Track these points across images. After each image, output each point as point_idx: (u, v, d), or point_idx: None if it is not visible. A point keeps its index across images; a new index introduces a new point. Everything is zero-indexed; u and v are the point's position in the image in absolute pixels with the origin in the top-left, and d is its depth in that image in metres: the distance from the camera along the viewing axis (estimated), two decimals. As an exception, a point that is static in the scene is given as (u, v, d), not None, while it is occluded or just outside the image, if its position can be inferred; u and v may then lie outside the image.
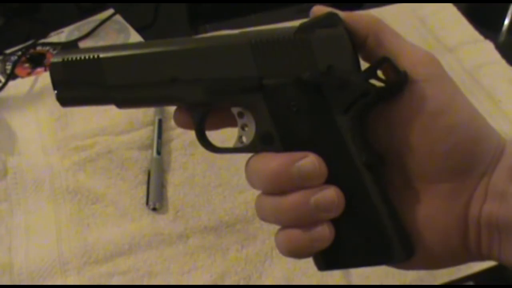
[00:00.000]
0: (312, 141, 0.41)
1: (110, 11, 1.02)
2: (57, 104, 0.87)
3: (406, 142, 0.41)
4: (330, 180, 0.41)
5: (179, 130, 0.83)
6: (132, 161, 0.80)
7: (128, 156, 0.80)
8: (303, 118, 0.41)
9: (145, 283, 0.70)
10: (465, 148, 0.40)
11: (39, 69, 0.94)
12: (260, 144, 0.43)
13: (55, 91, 0.45)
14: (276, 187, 0.41)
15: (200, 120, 0.45)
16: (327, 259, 0.43)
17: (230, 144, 0.46)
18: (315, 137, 0.41)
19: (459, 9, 1.02)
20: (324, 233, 0.41)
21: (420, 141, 0.41)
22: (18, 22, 1.04)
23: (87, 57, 0.44)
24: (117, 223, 0.74)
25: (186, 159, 0.81)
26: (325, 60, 0.41)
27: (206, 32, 0.99)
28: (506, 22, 1.05)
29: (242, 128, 0.45)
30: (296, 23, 0.42)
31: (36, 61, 0.95)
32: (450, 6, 1.03)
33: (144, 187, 0.77)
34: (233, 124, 0.45)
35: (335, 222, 0.41)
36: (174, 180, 0.79)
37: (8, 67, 0.93)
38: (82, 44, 0.96)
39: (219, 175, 0.79)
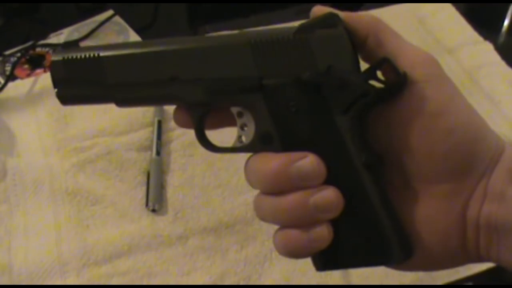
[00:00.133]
0: (312, 141, 0.41)
1: (110, 12, 1.02)
2: (56, 105, 0.87)
3: (405, 143, 0.41)
4: (329, 180, 0.41)
5: (179, 131, 0.83)
6: (131, 162, 0.80)
7: (128, 157, 0.80)
8: (302, 118, 0.41)
9: (144, 284, 0.69)
10: (464, 149, 0.40)
11: (38, 70, 0.94)
12: (259, 144, 0.43)
13: (55, 89, 0.46)
14: (275, 187, 0.41)
15: (200, 119, 0.45)
16: (326, 259, 0.43)
17: (229, 144, 0.46)
18: (314, 137, 0.41)
19: (459, 10, 1.02)
20: (323, 233, 0.41)
21: (419, 142, 0.41)
22: (18, 23, 1.04)
23: (87, 55, 0.44)
24: (117, 224, 0.74)
25: (186, 160, 0.81)
26: (324, 60, 0.41)
27: (206, 33, 0.99)
28: (506, 23, 1.05)
29: (242, 128, 0.45)
30: (296, 24, 0.42)
31: (36, 62, 0.95)
32: (449, 7, 1.03)
33: (144, 188, 0.77)
34: (232, 123, 0.45)
35: (334, 222, 0.41)
36: (174, 181, 0.79)
37: (8, 68, 0.93)
38: (82, 45, 0.96)
39: (218, 176, 0.79)
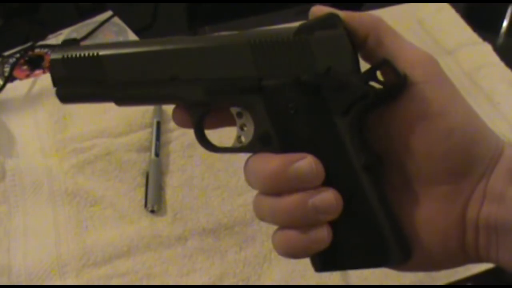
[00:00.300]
0: (311, 142, 0.41)
1: (109, 13, 1.02)
2: (56, 106, 0.88)
3: (404, 143, 0.41)
4: (329, 181, 0.41)
5: (178, 132, 0.83)
6: (130, 163, 0.80)
7: (127, 158, 0.80)
8: (301, 119, 0.41)
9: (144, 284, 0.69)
10: (463, 150, 0.40)
11: (37, 71, 0.93)
12: (258, 145, 0.43)
13: (55, 88, 0.45)
14: (273, 188, 0.41)
15: (199, 119, 0.45)
16: (325, 260, 0.42)
17: (229, 144, 0.46)
18: (313, 138, 0.41)
19: (458, 11, 1.02)
20: (322, 235, 0.41)
21: (418, 143, 0.40)
22: (17, 24, 1.04)
23: (86, 54, 0.44)
24: (116, 225, 0.74)
25: (185, 161, 0.81)
26: (324, 61, 0.41)
27: (205, 34, 0.99)
28: (505, 24, 1.05)
29: (241, 128, 0.45)
30: (296, 24, 0.42)
31: (35, 63, 0.95)
32: (448, 8, 1.03)
33: (143, 189, 0.77)
34: (232, 123, 0.45)
35: (333, 224, 0.41)
36: (173, 182, 0.79)
37: (7, 69, 0.93)
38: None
39: (217, 177, 0.79)
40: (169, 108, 0.85)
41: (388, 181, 0.42)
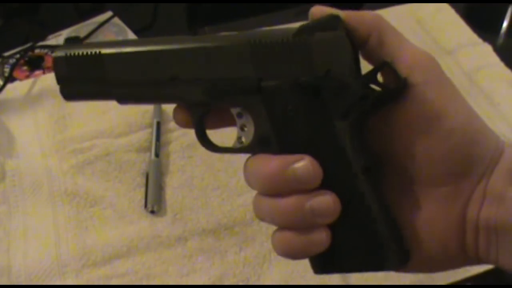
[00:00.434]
0: (310, 144, 0.41)
1: (109, 13, 1.02)
2: (55, 106, 0.88)
3: (404, 145, 0.41)
4: (327, 184, 0.40)
5: (178, 133, 0.83)
6: (130, 163, 0.80)
7: (127, 158, 0.80)
8: (301, 121, 0.41)
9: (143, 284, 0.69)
10: (463, 151, 0.40)
11: (37, 72, 0.93)
12: (258, 145, 0.43)
13: (59, 85, 0.46)
14: (272, 189, 0.41)
15: (200, 119, 0.45)
16: (323, 262, 0.42)
17: (228, 144, 0.46)
18: (312, 141, 0.41)
19: (458, 11, 1.02)
20: (320, 237, 0.40)
21: (418, 144, 0.40)
22: (17, 24, 1.04)
23: (88, 52, 0.44)
24: (116, 226, 0.74)
25: (185, 162, 0.81)
26: (324, 63, 0.40)
27: (205, 34, 0.99)
28: (505, 24, 1.05)
29: (241, 128, 0.44)
30: (295, 25, 0.42)
31: (35, 64, 0.95)
32: (448, 9, 1.03)
33: (143, 189, 0.77)
34: (232, 123, 0.45)
35: (331, 226, 0.41)
36: (173, 182, 0.79)
37: (6, 69, 0.93)
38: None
39: (217, 178, 0.79)
40: (169, 108, 0.85)
41: (388, 183, 0.42)
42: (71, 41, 0.49)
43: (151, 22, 1.05)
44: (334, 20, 0.41)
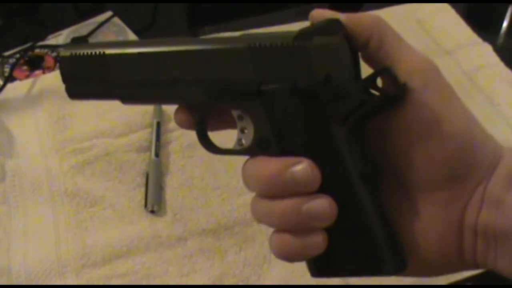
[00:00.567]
0: (308, 149, 0.41)
1: (109, 13, 1.02)
2: (55, 106, 0.88)
3: (402, 150, 0.41)
4: (325, 188, 0.40)
5: (178, 133, 0.83)
6: (130, 163, 0.80)
7: (127, 158, 0.80)
8: (299, 125, 0.41)
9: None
10: (461, 156, 0.40)
11: (37, 72, 0.93)
12: (257, 148, 0.43)
13: (64, 84, 0.47)
14: (269, 191, 0.41)
15: (201, 120, 0.45)
16: (319, 266, 0.43)
17: (228, 145, 0.46)
18: (310, 145, 0.41)
19: (458, 11, 1.02)
20: (316, 241, 0.41)
21: (416, 149, 0.40)
22: (17, 24, 1.04)
23: (93, 52, 0.45)
24: (116, 226, 0.74)
25: (185, 162, 0.81)
26: (322, 69, 0.40)
27: (205, 34, 0.99)
28: (505, 24, 1.05)
29: (242, 131, 0.44)
30: (295, 26, 0.41)
31: (35, 64, 0.95)
32: (448, 9, 1.03)
33: (143, 189, 0.77)
34: (233, 126, 0.45)
35: (328, 230, 0.41)
36: (173, 182, 0.79)
37: (6, 69, 0.93)
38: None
39: (217, 178, 0.79)
40: (169, 109, 0.85)
41: (386, 187, 0.42)
42: (77, 41, 0.49)
43: (151, 22, 1.05)
44: (334, 24, 0.40)
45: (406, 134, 0.40)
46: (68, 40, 0.98)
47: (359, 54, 0.42)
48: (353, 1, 1.09)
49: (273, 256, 0.71)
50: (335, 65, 0.40)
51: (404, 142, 0.41)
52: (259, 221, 0.43)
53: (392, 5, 1.04)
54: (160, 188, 0.77)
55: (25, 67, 0.94)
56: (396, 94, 0.40)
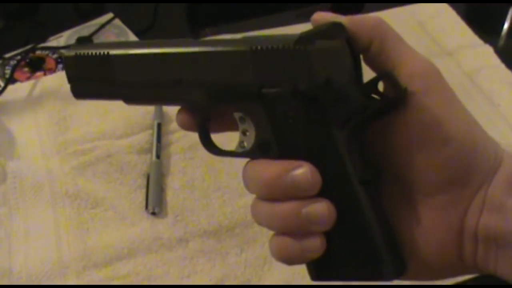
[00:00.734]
0: (308, 153, 0.41)
1: (110, 15, 1.02)
2: (56, 108, 0.88)
3: (402, 154, 0.41)
4: (325, 192, 0.40)
5: (179, 134, 0.83)
6: (131, 165, 0.80)
7: (127, 160, 0.80)
8: (300, 128, 0.41)
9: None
10: (462, 160, 0.40)
11: (38, 73, 0.93)
12: (259, 151, 0.43)
13: (69, 84, 0.47)
14: (270, 194, 0.41)
15: (203, 122, 0.45)
16: (319, 269, 0.43)
17: (226, 146, 0.46)
18: (310, 149, 0.41)
19: (459, 13, 1.02)
20: (315, 244, 0.41)
21: (416, 153, 0.40)
22: (18, 26, 1.04)
23: (97, 53, 0.45)
24: (117, 227, 0.74)
25: (186, 163, 0.81)
26: (323, 72, 0.40)
27: (206, 36, 0.99)
28: (506, 26, 1.05)
29: (244, 133, 0.44)
30: (296, 27, 0.41)
31: (36, 65, 0.95)
32: (449, 10, 1.03)
33: (144, 191, 0.77)
34: (235, 128, 0.45)
35: (327, 234, 0.41)
36: (174, 184, 0.79)
37: (7, 71, 0.93)
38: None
39: (218, 179, 0.79)
40: (170, 110, 0.85)
41: (386, 191, 0.42)
42: (82, 41, 0.50)
43: (151, 23, 1.05)
44: (335, 28, 0.40)
45: (407, 138, 0.40)
46: (69, 42, 0.98)
47: (361, 57, 0.42)
48: (354, 1, 1.09)
49: (274, 258, 0.71)
50: (336, 69, 0.40)
51: (404, 146, 0.41)
52: (259, 223, 0.43)
53: (394, 4, 1.04)
54: (161, 190, 0.77)
55: (26, 69, 0.94)
56: (397, 98, 0.39)
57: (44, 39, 0.99)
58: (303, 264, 0.43)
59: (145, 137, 0.83)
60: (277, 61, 0.41)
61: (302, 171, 0.40)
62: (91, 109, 0.86)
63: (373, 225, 0.41)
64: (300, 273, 0.70)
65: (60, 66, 0.94)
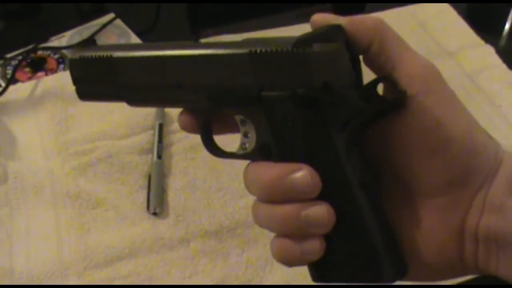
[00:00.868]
0: (307, 156, 0.41)
1: (111, 15, 1.02)
2: (57, 108, 0.88)
3: (402, 155, 0.41)
4: (324, 195, 0.40)
5: (180, 135, 0.83)
6: (132, 165, 0.80)
7: (129, 160, 0.80)
8: (299, 132, 0.41)
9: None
10: (462, 161, 0.40)
11: (39, 74, 0.94)
12: (259, 153, 0.43)
13: (74, 86, 0.48)
14: (270, 196, 0.41)
15: (205, 124, 0.45)
16: (320, 271, 0.43)
17: (228, 148, 0.46)
18: (310, 152, 0.41)
19: (460, 13, 1.02)
20: (314, 247, 0.41)
21: (416, 154, 0.40)
22: (19, 26, 1.04)
23: (101, 55, 0.46)
24: (118, 228, 0.74)
25: (187, 164, 0.81)
26: (321, 76, 0.39)
27: (207, 36, 0.99)
28: (507, 26, 1.05)
29: (245, 135, 0.45)
30: (297, 27, 0.41)
31: (37, 66, 0.95)
32: (450, 10, 1.03)
33: (145, 191, 0.77)
34: (236, 130, 0.45)
35: (327, 237, 0.41)
36: (175, 184, 0.79)
37: (9, 71, 0.93)
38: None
39: (220, 180, 0.79)
40: (171, 110, 0.85)
41: (387, 193, 0.42)
42: (86, 44, 0.51)
43: (153, 24, 1.05)
44: (334, 31, 0.40)
45: (407, 139, 0.40)
46: (71, 42, 0.98)
47: (361, 58, 0.42)
48: (355, 1, 1.09)
49: (275, 258, 0.71)
50: (334, 72, 0.39)
51: (404, 147, 0.41)
52: (260, 225, 0.43)
53: (395, 4, 1.04)
54: (162, 190, 0.77)
55: (27, 69, 0.94)
56: (396, 100, 0.39)
57: (46, 39, 0.99)
58: (303, 265, 0.43)
59: (147, 137, 0.83)
60: (276, 64, 0.40)
61: (302, 174, 0.40)
62: (92, 109, 0.86)
63: (373, 227, 0.41)
64: (301, 274, 0.70)
65: (61, 66, 0.94)
